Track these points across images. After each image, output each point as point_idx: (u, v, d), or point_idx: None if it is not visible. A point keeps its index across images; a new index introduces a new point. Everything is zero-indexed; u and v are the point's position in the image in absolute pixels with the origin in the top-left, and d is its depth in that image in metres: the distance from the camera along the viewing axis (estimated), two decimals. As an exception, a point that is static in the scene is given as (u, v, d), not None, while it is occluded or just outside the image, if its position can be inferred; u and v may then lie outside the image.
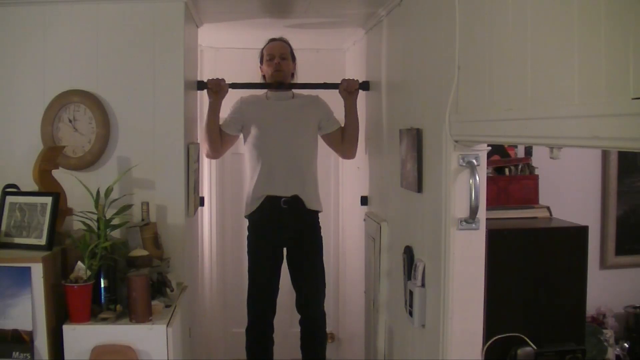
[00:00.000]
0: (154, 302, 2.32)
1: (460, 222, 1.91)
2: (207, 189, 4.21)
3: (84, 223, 2.33)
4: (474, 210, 1.87)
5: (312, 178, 3.32)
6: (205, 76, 3.39)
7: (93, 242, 2.28)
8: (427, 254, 2.20)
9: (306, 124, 3.32)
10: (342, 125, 3.38)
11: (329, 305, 3.36)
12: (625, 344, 3.03)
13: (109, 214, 2.39)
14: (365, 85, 3.35)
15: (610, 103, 1.06)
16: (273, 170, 3.22)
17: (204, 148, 3.31)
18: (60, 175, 2.55)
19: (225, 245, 4.34)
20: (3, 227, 2.34)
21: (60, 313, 2.23)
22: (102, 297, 2.30)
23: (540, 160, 2.91)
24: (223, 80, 3.22)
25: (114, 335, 2.20)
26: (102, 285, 2.30)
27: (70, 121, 2.68)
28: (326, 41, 4.04)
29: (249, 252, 3.33)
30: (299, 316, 3.37)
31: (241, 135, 3.35)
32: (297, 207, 3.22)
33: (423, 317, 2.23)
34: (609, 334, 2.98)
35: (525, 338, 2.40)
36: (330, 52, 4.21)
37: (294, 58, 3.38)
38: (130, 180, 2.67)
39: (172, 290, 2.50)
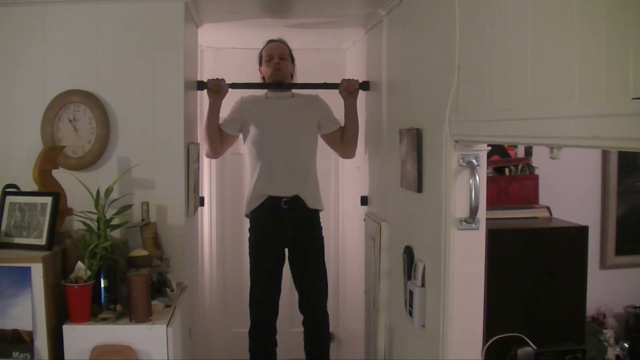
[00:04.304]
0: (154, 302, 2.32)
1: (460, 222, 1.91)
2: (207, 189, 4.21)
3: (84, 223, 2.33)
4: (474, 210, 1.87)
5: (313, 177, 3.31)
6: (205, 76, 3.39)
7: (93, 242, 2.28)
8: (427, 254, 2.20)
9: (306, 123, 3.32)
10: (342, 125, 3.38)
11: (329, 305, 3.36)
12: (625, 344, 3.03)
13: (109, 214, 2.39)
14: (365, 85, 3.35)
15: (610, 103, 1.06)
16: (273, 169, 3.22)
17: (203, 148, 3.32)
18: (60, 175, 2.55)
19: (225, 245, 4.34)
20: (3, 227, 2.34)
21: (60, 313, 2.23)
22: (102, 297, 2.30)
23: (540, 160, 2.91)
24: (223, 80, 3.22)
25: (114, 335, 2.20)
26: (102, 285, 2.30)
27: (70, 121, 2.68)
28: (326, 41, 4.04)
29: (250, 254, 3.31)
30: (300, 316, 3.36)
31: (241, 135, 3.35)
32: (298, 207, 3.21)
33: (423, 317, 2.23)
34: (609, 334, 2.98)
35: (525, 338, 2.40)
36: (330, 52, 4.21)
37: (292, 59, 3.38)
38: (130, 180, 2.67)
39: (172, 290, 2.50)
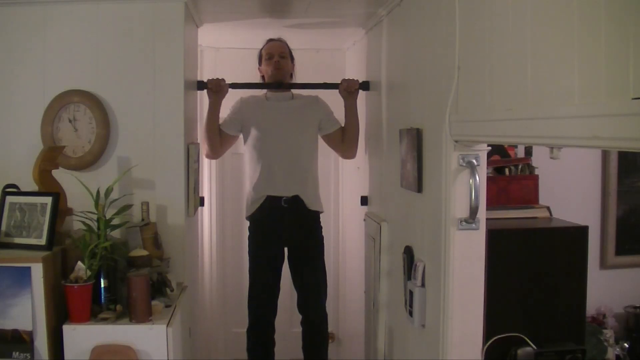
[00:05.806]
0: (154, 302, 2.32)
1: (460, 222, 1.91)
2: (207, 189, 4.21)
3: (84, 223, 2.33)
4: (474, 210, 1.87)
5: (313, 179, 3.31)
6: (205, 76, 3.39)
7: (93, 242, 2.28)
8: (427, 254, 2.20)
9: (306, 124, 3.31)
10: (343, 125, 3.38)
11: (328, 305, 3.36)
12: (625, 344, 3.03)
13: (109, 214, 2.39)
14: (365, 85, 3.34)
15: (610, 103, 1.06)
16: (273, 171, 3.22)
17: (203, 148, 3.31)
18: (60, 175, 2.55)
19: (225, 245, 4.34)
20: (3, 227, 2.34)
21: (60, 313, 2.23)
22: (102, 297, 2.30)
23: (540, 160, 2.91)
24: (223, 80, 3.22)
25: (114, 335, 2.20)
26: (102, 285, 2.30)
27: (70, 121, 2.68)
28: (326, 41, 4.04)
29: (250, 253, 3.32)
30: (299, 316, 3.36)
31: (241, 136, 3.35)
32: (298, 207, 3.21)
33: (423, 317, 2.23)
34: (609, 334, 2.98)
35: (525, 338, 2.40)
36: (330, 52, 4.21)
37: (292, 58, 3.39)
38: (130, 180, 2.67)
39: (172, 290, 2.50)
